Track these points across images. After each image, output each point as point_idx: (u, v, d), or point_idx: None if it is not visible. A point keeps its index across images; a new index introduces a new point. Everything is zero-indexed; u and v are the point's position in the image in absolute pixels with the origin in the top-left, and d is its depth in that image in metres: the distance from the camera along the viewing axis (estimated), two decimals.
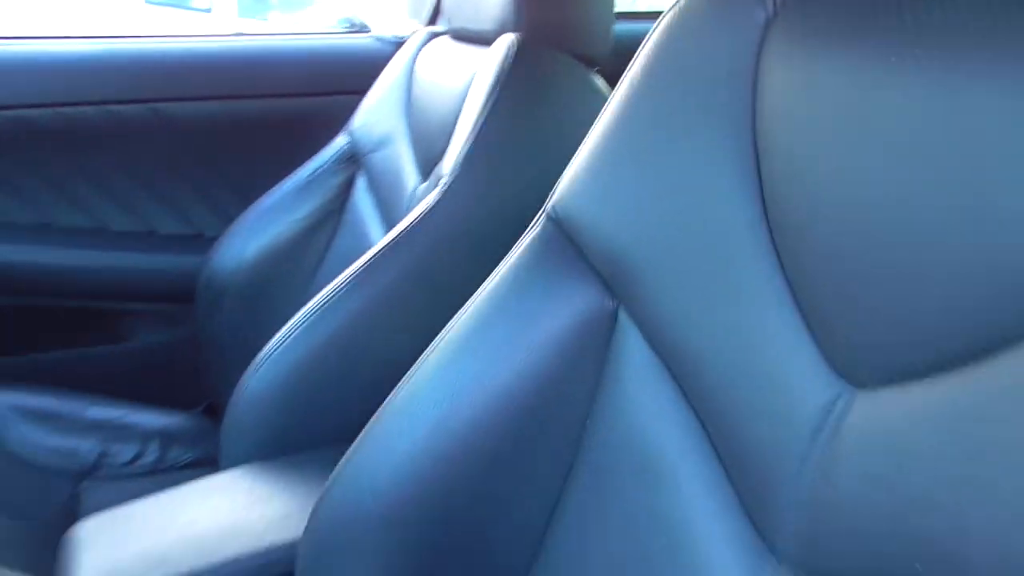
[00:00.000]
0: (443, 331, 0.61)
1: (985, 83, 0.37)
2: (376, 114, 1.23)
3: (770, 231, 0.47)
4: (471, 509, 0.58)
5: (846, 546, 0.41)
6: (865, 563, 0.40)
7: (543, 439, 0.58)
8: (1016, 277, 0.34)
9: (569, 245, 0.58)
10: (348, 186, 1.23)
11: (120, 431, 1.18)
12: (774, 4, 0.49)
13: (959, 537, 0.35)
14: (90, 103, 1.30)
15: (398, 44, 1.36)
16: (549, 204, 0.60)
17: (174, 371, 1.34)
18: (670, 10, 0.55)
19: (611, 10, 1.03)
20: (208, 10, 6.81)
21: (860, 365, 0.42)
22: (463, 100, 0.98)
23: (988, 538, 0.34)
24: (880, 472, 0.39)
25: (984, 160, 0.36)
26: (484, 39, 1.03)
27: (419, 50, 1.22)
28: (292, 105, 1.41)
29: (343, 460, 0.61)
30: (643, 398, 0.54)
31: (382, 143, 1.20)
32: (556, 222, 0.59)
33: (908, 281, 0.39)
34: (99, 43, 1.36)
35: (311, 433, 0.82)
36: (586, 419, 0.57)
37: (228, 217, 1.31)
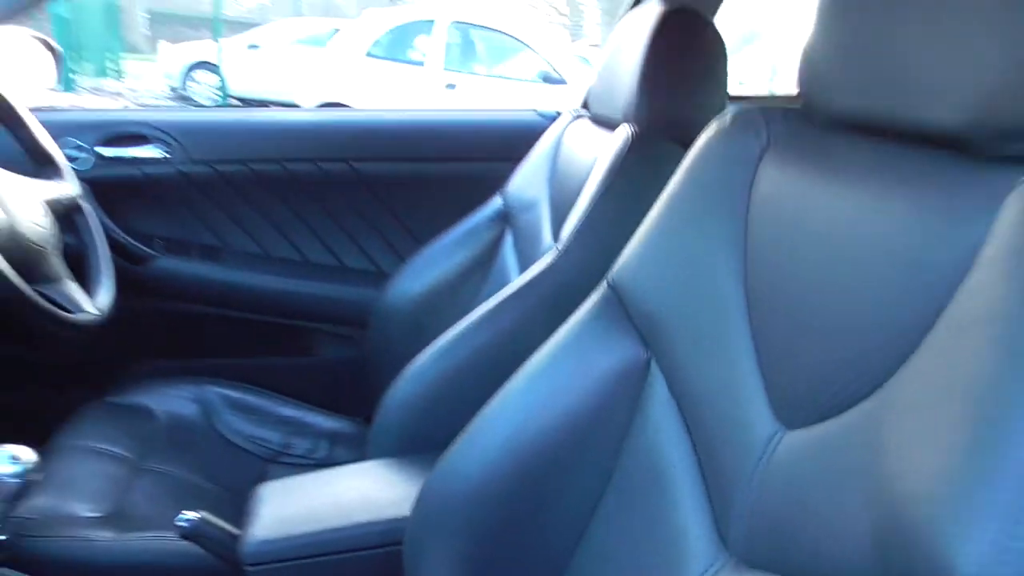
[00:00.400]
0: (527, 362, 0.80)
1: (872, 212, 0.52)
2: (526, 180, 1.45)
3: (747, 302, 0.63)
4: (534, 498, 0.76)
5: (766, 544, 0.56)
6: (772, 556, 0.55)
7: (591, 452, 0.75)
8: (869, 349, 0.49)
9: (620, 306, 0.76)
10: (498, 241, 1.45)
11: (300, 428, 1.45)
12: (767, 139, 0.66)
13: (816, 535, 0.50)
14: (303, 160, 1.62)
15: (554, 119, 1.57)
16: (611, 273, 0.78)
17: (347, 384, 1.61)
18: (701, 139, 0.72)
19: (723, 104, 1.18)
20: (421, 63, 7.49)
21: (789, 412, 0.57)
22: (588, 176, 1.18)
23: (835, 537, 0.49)
24: (787, 490, 0.54)
25: (866, 263, 0.51)
26: (613, 124, 1.23)
27: (566, 128, 1.43)
28: (461, 168, 1.67)
29: (445, 452, 0.81)
30: (661, 428, 0.71)
31: (529, 206, 1.41)
32: (613, 287, 0.77)
33: (819, 349, 0.54)
34: (312, 114, 1.69)
35: (438, 436, 1.01)
36: (623, 440, 0.74)
37: (402, 258, 1.57)
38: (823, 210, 0.57)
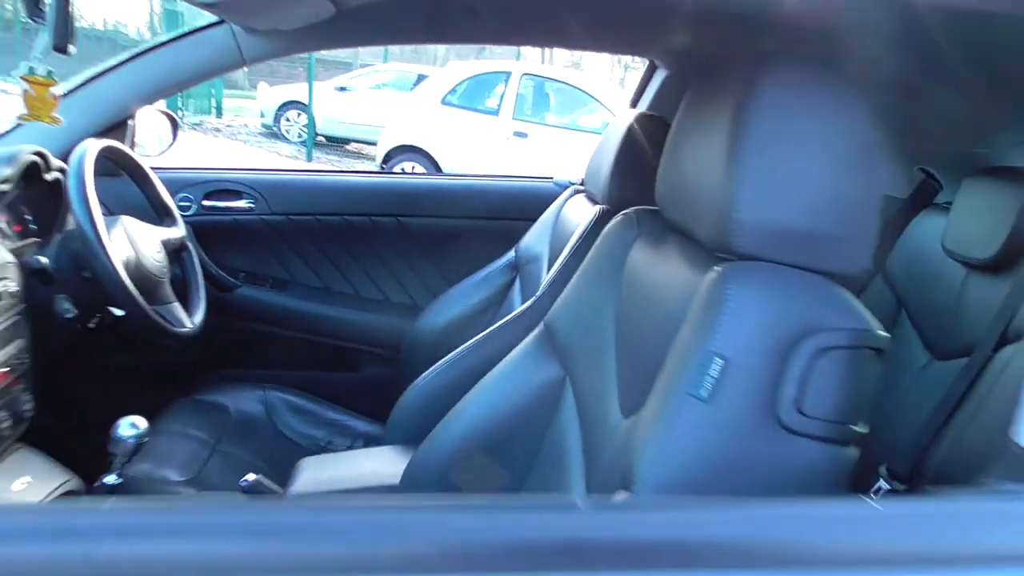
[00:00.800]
0: (485, 377, 1.13)
1: (668, 282, 0.84)
2: (535, 237, 1.78)
3: (616, 337, 0.95)
4: (485, 472, 1.09)
5: (604, 488, 0.87)
6: (605, 494, 0.86)
7: (524, 440, 1.08)
8: (652, 367, 0.81)
9: (550, 340, 1.09)
10: (508, 286, 1.79)
11: (342, 429, 1.80)
12: (638, 232, 0.98)
13: (620, 477, 0.81)
14: (360, 215, 2.00)
15: (566, 188, 1.91)
16: (547, 316, 1.11)
17: (384, 395, 1.94)
18: (605, 228, 1.05)
19: None
20: (496, 112, 7.96)
21: (625, 408, 0.88)
22: (567, 240, 1.51)
23: (619, 475, 0.80)
24: (615, 455, 0.86)
25: (660, 315, 0.83)
26: (596, 201, 1.55)
27: (568, 199, 1.76)
28: (487, 225, 2.02)
29: (427, 438, 1.14)
30: (567, 424, 1.03)
31: (534, 259, 1.74)
32: (547, 324, 1.10)
33: (640, 367, 0.86)
34: (367, 177, 2.06)
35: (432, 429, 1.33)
36: (545, 432, 1.06)
37: (435, 295, 1.92)
38: (653, 278, 0.89)
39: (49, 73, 1.08)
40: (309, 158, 9.68)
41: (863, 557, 0.52)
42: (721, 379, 0.66)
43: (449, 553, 0.49)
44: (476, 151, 7.48)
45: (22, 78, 1.05)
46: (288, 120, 10.64)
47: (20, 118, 1.13)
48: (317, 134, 10.20)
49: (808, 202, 0.71)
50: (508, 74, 8.05)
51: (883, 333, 0.69)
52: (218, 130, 10.93)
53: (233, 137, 10.64)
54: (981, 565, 0.51)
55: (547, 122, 8.03)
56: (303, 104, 10.28)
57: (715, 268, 0.74)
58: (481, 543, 0.50)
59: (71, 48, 0.98)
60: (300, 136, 10.40)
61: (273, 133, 10.72)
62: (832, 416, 0.67)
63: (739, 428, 0.66)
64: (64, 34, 0.97)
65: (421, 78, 9.56)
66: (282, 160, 9.38)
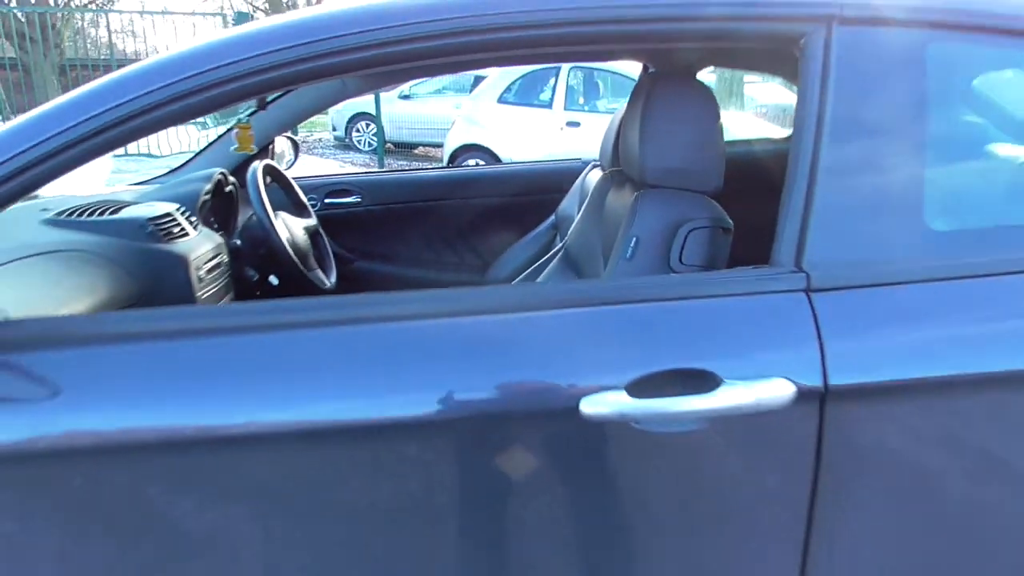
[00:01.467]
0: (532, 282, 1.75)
1: (620, 208, 1.45)
2: (568, 203, 2.39)
3: (601, 245, 1.55)
4: None
5: None
6: None
7: None
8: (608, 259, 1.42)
9: (567, 258, 1.70)
10: (552, 242, 2.41)
11: None
12: (611, 183, 1.59)
13: None
14: (438, 200, 2.64)
15: (588, 163, 2.51)
16: (565, 242, 1.72)
17: None
18: (594, 185, 1.66)
19: None
20: (549, 105, 8.55)
21: None
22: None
23: None
24: None
25: (616, 227, 1.44)
26: (604, 169, 2.16)
27: (588, 171, 2.37)
28: (534, 198, 2.63)
29: None
30: None
31: (567, 218, 2.35)
32: (565, 249, 1.71)
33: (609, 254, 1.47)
34: (442, 172, 2.72)
35: None
36: None
37: (498, 254, 2.55)
38: (616, 208, 1.50)
39: (248, 119, 1.75)
40: (381, 166, 10.43)
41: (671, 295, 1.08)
42: (636, 248, 1.27)
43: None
44: (533, 143, 8.10)
45: (236, 126, 1.74)
46: (358, 131, 11.43)
47: (234, 150, 1.82)
48: (386, 142, 10.94)
49: (682, 152, 1.30)
50: (558, 68, 8.63)
51: (729, 220, 1.28)
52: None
53: (310, 152, 11.49)
54: (719, 299, 1.09)
55: (599, 109, 8.59)
56: (371, 115, 11.02)
57: (635, 194, 1.34)
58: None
59: (267, 104, 1.63)
60: (370, 145, 11.17)
61: (346, 145, 11.53)
62: (700, 263, 1.26)
63: (647, 272, 1.27)
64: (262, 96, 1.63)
65: (478, 79, 10.21)
66: (356, 170, 10.16)
